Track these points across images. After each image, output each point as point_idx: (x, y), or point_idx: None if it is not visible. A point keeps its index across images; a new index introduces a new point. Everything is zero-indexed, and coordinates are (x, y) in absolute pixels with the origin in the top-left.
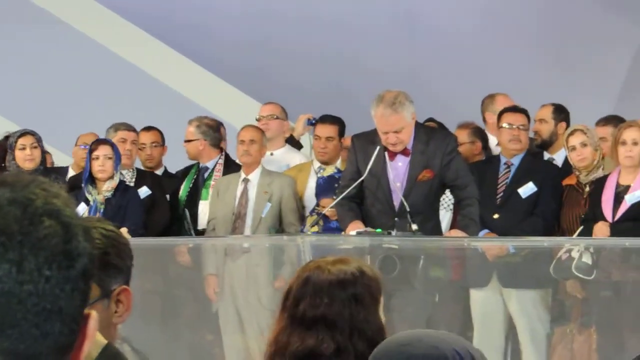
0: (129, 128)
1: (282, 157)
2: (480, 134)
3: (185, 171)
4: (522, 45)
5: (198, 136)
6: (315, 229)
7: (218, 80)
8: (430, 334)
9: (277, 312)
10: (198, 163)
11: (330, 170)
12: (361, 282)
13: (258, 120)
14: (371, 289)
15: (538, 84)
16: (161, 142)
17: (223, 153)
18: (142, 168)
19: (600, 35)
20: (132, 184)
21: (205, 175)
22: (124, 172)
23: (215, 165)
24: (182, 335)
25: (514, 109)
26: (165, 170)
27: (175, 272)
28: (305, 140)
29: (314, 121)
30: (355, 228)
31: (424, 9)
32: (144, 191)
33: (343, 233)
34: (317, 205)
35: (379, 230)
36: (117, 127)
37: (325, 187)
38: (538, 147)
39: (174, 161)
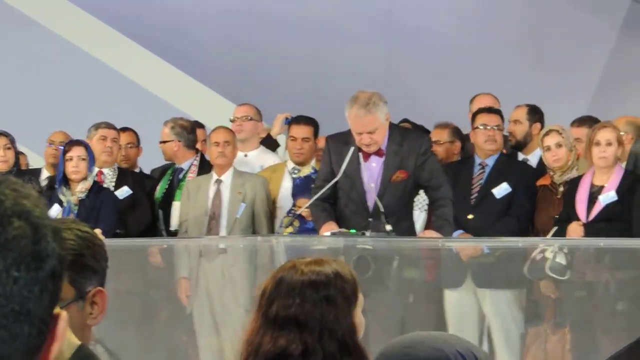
0: (110, 126)
1: (256, 158)
2: (459, 134)
3: (162, 171)
4: (498, 46)
5: (172, 137)
6: (290, 229)
7: (192, 81)
8: (433, 336)
9: (253, 311)
10: (174, 164)
11: (306, 171)
12: (335, 284)
13: (232, 121)
14: (345, 291)
15: (513, 84)
16: (136, 143)
17: (199, 154)
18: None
19: (575, 36)
20: (113, 183)
21: (180, 176)
22: (105, 170)
23: (190, 167)
24: (156, 337)
25: (489, 110)
26: (141, 171)
27: (150, 273)
28: (283, 139)
29: (291, 120)
30: (329, 229)
31: (402, 9)
32: (125, 191)
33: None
34: (294, 205)
35: (353, 230)
36: (97, 125)
37: (302, 188)
38: (512, 148)
39: (149, 162)
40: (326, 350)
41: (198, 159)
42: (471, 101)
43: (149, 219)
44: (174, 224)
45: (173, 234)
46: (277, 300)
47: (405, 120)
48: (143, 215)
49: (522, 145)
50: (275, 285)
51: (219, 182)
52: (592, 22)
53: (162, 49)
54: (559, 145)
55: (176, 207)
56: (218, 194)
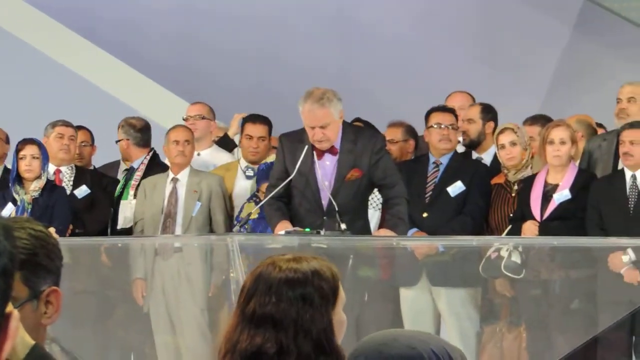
0: (66, 124)
1: (209, 157)
2: (413, 133)
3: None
4: (450, 44)
5: (122, 136)
6: (256, 214)
7: (145, 80)
8: (406, 334)
9: (234, 308)
10: (119, 162)
11: (270, 159)
12: (312, 282)
13: (185, 119)
14: (323, 290)
15: (465, 82)
16: (90, 142)
17: (150, 153)
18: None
19: (528, 34)
20: (71, 182)
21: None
22: (62, 168)
23: (139, 165)
24: (112, 335)
25: (442, 109)
26: (95, 170)
27: (105, 272)
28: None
29: (245, 118)
30: (283, 228)
31: (353, 6)
32: (83, 190)
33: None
34: (257, 190)
35: (307, 229)
36: (54, 123)
37: (267, 173)
38: (466, 147)
39: (104, 161)
40: (301, 349)
41: (148, 157)
42: (447, 99)
43: (108, 218)
44: (120, 223)
45: (119, 232)
46: (255, 297)
47: (358, 120)
48: (102, 214)
49: (475, 144)
50: (253, 282)
51: (175, 180)
52: (545, 21)
53: (114, 46)
54: (513, 144)
55: (123, 206)
56: (174, 192)
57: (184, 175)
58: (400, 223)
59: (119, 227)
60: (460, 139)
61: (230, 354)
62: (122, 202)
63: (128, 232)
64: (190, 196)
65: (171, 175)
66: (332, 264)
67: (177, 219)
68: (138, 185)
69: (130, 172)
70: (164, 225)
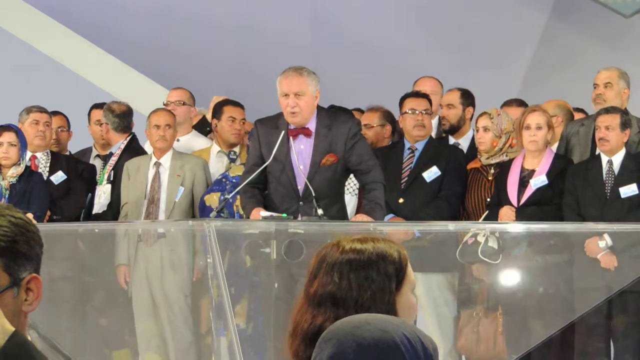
0: (41, 110)
1: (187, 142)
2: (390, 118)
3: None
4: (428, 31)
5: (103, 121)
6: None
7: (121, 64)
8: (379, 318)
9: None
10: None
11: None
12: (375, 264)
13: (165, 105)
14: (387, 272)
15: (442, 69)
16: (67, 127)
17: (128, 138)
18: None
19: (506, 21)
20: (47, 168)
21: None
22: (38, 154)
23: (116, 150)
24: (92, 322)
25: (416, 95)
26: (71, 155)
27: (85, 258)
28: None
29: (222, 102)
30: (257, 215)
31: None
32: (59, 176)
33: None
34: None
35: (284, 215)
36: (29, 109)
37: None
38: (445, 133)
39: (79, 146)
40: None
41: (126, 142)
42: (414, 84)
43: (84, 204)
44: (95, 208)
45: (94, 217)
46: (318, 278)
47: (332, 107)
48: (78, 200)
49: (455, 129)
50: (317, 263)
51: (157, 164)
52: (523, 7)
53: (89, 30)
54: (485, 129)
55: (98, 191)
56: (157, 177)
57: (166, 159)
58: (377, 208)
59: (94, 212)
60: (434, 122)
61: (295, 335)
62: (97, 187)
63: (102, 217)
64: (173, 181)
65: (154, 159)
66: (402, 246)
67: (160, 204)
68: (113, 169)
69: (109, 157)
70: (147, 211)
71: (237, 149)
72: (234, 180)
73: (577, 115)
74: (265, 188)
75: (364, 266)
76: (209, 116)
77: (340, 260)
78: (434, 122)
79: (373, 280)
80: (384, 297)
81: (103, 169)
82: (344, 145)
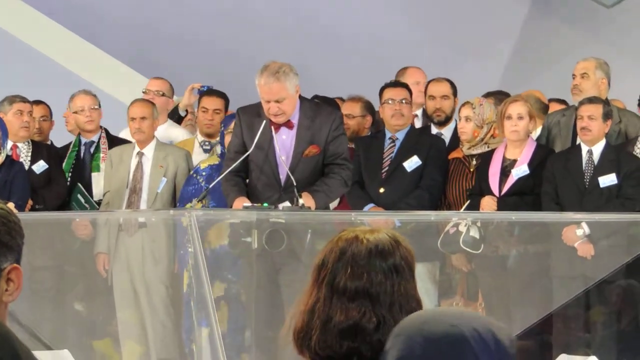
0: (24, 100)
1: (164, 133)
2: (371, 109)
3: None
4: (408, 21)
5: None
6: (199, 205)
7: (102, 53)
8: (450, 312)
9: (310, 283)
10: (78, 138)
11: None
12: (398, 251)
13: (145, 93)
14: (407, 259)
15: (423, 60)
16: (49, 117)
17: (103, 128)
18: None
19: (486, 10)
20: (29, 157)
21: (92, 149)
22: (19, 144)
23: (99, 138)
24: (73, 311)
25: (395, 84)
26: (52, 144)
27: (67, 248)
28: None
29: (205, 89)
30: (240, 205)
31: None
32: (41, 165)
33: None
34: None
35: (265, 204)
36: (11, 99)
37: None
38: (440, 124)
39: (61, 136)
40: (397, 320)
41: (104, 132)
42: (399, 74)
43: (66, 193)
44: (97, 193)
45: (98, 204)
46: (343, 271)
47: (316, 97)
48: (60, 189)
49: (449, 120)
50: (339, 255)
51: (140, 154)
52: None
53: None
54: (467, 119)
55: (96, 178)
56: (139, 167)
57: (149, 150)
58: (322, 194)
59: (95, 198)
60: (418, 112)
61: (327, 329)
62: (93, 174)
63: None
64: (156, 172)
65: (137, 149)
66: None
67: (142, 194)
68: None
69: (88, 146)
70: (129, 200)
71: (215, 140)
72: (203, 174)
73: (557, 106)
74: (247, 176)
75: (390, 254)
76: (181, 104)
77: (368, 251)
78: (419, 112)
79: (401, 268)
80: (411, 286)
81: (93, 157)
82: (326, 136)
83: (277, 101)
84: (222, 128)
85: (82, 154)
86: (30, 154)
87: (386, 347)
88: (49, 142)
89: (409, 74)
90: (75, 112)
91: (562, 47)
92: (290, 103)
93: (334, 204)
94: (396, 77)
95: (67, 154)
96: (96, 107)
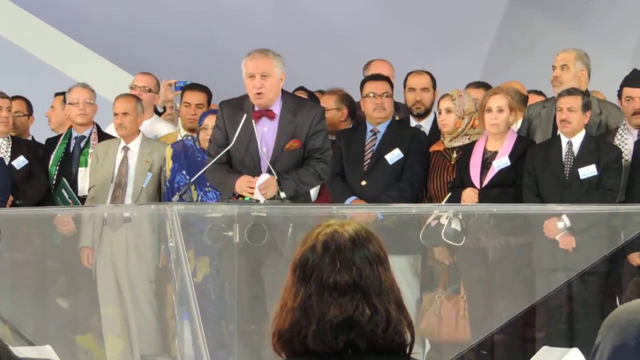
0: (3, 95)
1: (149, 127)
2: (347, 101)
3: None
4: (387, 12)
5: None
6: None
7: (84, 49)
8: None
9: (292, 281)
10: (69, 131)
11: None
12: (375, 240)
13: (131, 88)
14: (383, 248)
15: (403, 51)
16: (27, 112)
17: (95, 124)
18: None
19: (467, 0)
20: (8, 153)
21: (82, 144)
22: None
23: (90, 133)
24: (55, 306)
25: (376, 77)
26: (33, 140)
27: (49, 243)
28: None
29: (182, 84)
30: (245, 181)
31: None
32: (21, 161)
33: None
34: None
35: (246, 198)
36: None
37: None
38: (419, 116)
39: (42, 131)
40: (388, 309)
41: (95, 127)
42: (365, 67)
43: (46, 189)
44: (82, 188)
45: (83, 200)
46: (331, 266)
47: (301, 88)
48: (40, 185)
49: (428, 112)
50: (322, 250)
51: (126, 149)
52: None
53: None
54: (448, 111)
55: (82, 173)
56: (125, 162)
57: (135, 145)
58: (293, 179)
59: (80, 194)
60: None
61: (317, 326)
62: (80, 169)
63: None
64: (141, 167)
65: (122, 143)
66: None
67: (127, 189)
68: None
69: (78, 141)
70: (114, 195)
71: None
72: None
73: (536, 98)
74: (231, 168)
75: (370, 241)
76: (160, 102)
77: (349, 242)
78: None
79: (381, 257)
80: (390, 273)
81: (82, 152)
82: (307, 131)
83: (262, 76)
84: (199, 124)
85: (71, 148)
86: (10, 149)
87: (598, 338)
88: (29, 138)
89: (374, 66)
90: (70, 104)
91: (542, 39)
92: (274, 85)
93: (314, 197)
94: (363, 70)
95: (57, 146)
96: (91, 101)
